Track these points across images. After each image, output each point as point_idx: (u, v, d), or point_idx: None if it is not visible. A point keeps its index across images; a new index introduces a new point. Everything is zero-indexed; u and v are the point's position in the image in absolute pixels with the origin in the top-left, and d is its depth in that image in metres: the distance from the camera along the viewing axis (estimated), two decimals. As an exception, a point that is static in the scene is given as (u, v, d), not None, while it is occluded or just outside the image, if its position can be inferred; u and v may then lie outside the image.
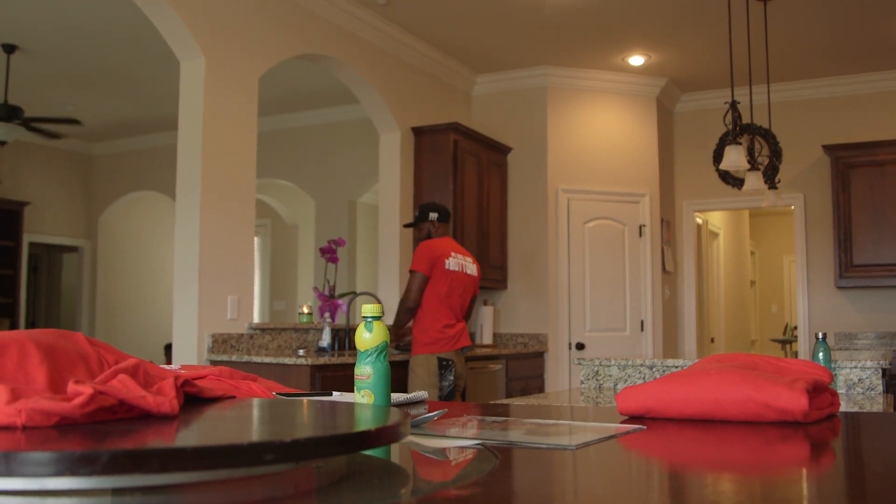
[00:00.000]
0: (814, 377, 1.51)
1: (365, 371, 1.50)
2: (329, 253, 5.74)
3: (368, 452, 1.09)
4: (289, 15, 5.67)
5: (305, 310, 5.97)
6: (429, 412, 1.49)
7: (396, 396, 1.78)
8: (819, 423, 1.48)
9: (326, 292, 5.69)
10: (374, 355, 1.51)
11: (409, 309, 5.25)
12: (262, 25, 5.45)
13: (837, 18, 6.44)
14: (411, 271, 5.25)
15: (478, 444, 1.21)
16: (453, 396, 5.27)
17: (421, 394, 1.91)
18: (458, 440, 1.26)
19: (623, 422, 1.50)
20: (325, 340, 5.53)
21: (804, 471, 1.17)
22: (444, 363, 5.21)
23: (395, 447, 1.20)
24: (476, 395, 6.14)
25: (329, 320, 5.64)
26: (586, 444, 1.21)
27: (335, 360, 4.88)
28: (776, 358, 1.70)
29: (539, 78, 7.63)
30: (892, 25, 6.55)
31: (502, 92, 7.83)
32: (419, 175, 6.86)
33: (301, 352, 5.23)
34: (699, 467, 1.18)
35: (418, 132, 6.91)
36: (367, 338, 1.51)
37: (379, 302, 5.82)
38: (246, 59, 5.30)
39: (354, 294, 5.81)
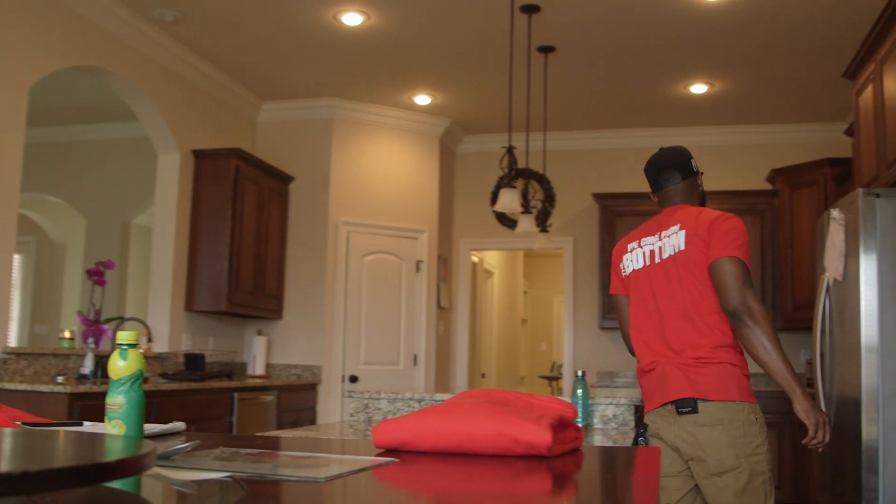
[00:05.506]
0: (559, 413, 1.60)
1: (117, 400, 1.45)
2: (96, 275, 5.50)
3: (114, 485, 1.06)
4: (66, 22, 5.40)
5: (67, 334, 5.65)
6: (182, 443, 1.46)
7: (150, 427, 1.73)
8: (563, 456, 1.56)
9: (91, 316, 5.43)
10: (129, 384, 1.46)
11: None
12: (36, 31, 5.16)
13: (613, 76, 6.84)
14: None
15: (227, 477, 1.20)
16: None
17: (178, 424, 1.86)
18: (209, 472, 1.25)
19: (378, 454, 1.53)
20: (88, 367, 5.26)
21: (547, 502, 1.23)
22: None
23: (146, 480, 1.17)
24: (245, 428, 6.02)
25: (93, 346, 5.38)
26: (336, 477, 1.22)
27: (97, 388, 4.66)
28: (527, 394, 1.79)
29: (326, 109, 7.64)
30: (659, 87, 7.05)
31: (288, 120, 7.79)
32: (197, 199, 6.68)
33: (60, 379, 4.95)
34: (447, 499, 1.22)
35: (199, 155, 6.74)
36: (122, 366, 1.46)
37: (147, 328, 5.61)
38: (16, 66, 5.00)
39: (122, 319, 5.58)
